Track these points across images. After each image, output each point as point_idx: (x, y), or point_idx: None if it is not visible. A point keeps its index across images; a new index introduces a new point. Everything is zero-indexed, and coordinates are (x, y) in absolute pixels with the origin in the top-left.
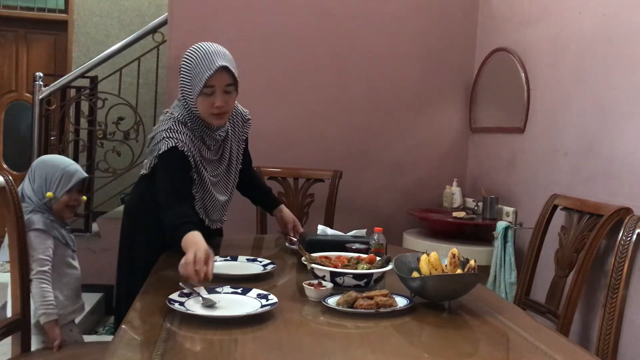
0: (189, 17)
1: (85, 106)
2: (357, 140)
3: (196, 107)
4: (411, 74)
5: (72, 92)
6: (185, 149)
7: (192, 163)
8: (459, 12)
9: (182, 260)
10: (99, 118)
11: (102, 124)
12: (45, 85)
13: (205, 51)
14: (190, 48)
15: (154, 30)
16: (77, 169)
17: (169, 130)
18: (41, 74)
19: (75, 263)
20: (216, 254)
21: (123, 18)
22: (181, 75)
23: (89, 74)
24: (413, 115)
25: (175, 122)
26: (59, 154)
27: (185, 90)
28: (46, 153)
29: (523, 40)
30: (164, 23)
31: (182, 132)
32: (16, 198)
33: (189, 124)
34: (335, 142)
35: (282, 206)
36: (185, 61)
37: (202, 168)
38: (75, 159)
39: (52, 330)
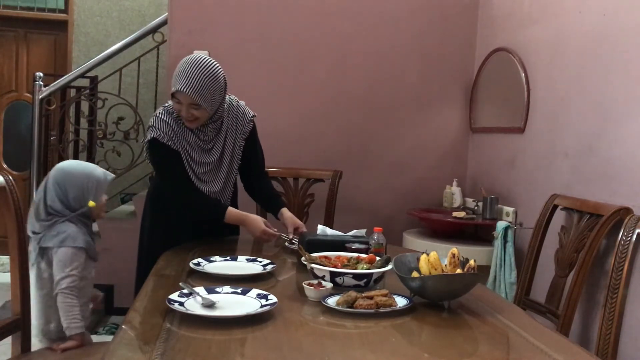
0: (189, 17)
1: (85, 106)
2: (357, 140)
3: None
4: (411, 74)
5: (72, 92)
6: (165, 139)
7: (176, 150)
8: (459, 12)
9: (256, 234)
10: (99, 118)
11: (102, 124)
12: (45, 85)
13: (186, 67)
14: (191, 55)
15: (154, 30)
16: (104, 172)
17: (153, 118)
18: (41, 74)
19: (93, 272)
20: (216, 254)
21: (123, 18)
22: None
23: (89, 74)
24: (413, 115)
25: (163, 110)
26: (59, 153)
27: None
28: (46, 153)
29: (523, 40)
30: (164, 23)
31: (163, 121)
32: (16, 198)
33: (175, 114)
34: (335, 142)
35: (284, 209)
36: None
37: (185, 157)
38: (75, 159)
39: (75, 340)
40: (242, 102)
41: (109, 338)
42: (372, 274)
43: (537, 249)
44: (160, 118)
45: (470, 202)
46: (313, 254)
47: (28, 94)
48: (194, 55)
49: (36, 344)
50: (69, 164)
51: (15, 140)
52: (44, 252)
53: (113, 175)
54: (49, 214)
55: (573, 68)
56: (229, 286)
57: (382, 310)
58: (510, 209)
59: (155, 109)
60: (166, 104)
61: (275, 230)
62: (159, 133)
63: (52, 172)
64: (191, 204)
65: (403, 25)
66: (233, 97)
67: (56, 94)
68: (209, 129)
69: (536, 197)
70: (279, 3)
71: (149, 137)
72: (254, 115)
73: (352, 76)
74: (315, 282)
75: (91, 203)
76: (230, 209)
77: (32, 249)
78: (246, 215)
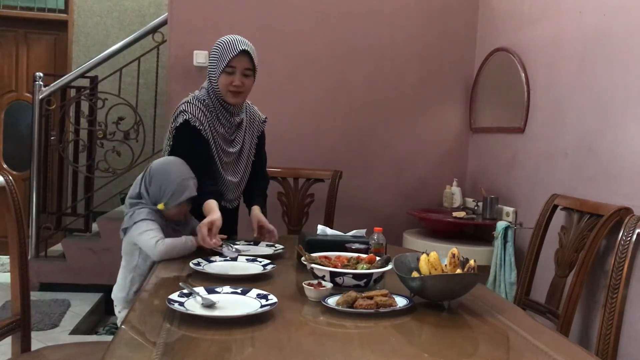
0: (189, 17)
1: (85, 106)
2: (357, 140)
3: (217, 84)
4: (411, 74)
5: (72, 92)
6: (197, 124)
7: (206, 137)
8: (459, 12)
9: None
10: (99, 118)
11: (102, 124)
12: (45, 85)
13: (232, 38)
14: (223, 36)
15: (154, 30)
16: (188, 186)
17: (185, 104)
18: (41, 74)
19: None
20: (216, 254)
21: (123, 18)
22: (210, 57)
23: (89, 74)
24: (413, 115)
25: (193, 97)
26: (59, 153)
27: (211, 69)
28: (46, 153)
29: (523, 40)
30: (164, 23)
31: (196, 106)
32: (16, 198)
33: (206, 102)
34: (335, 142)
35: (254, 207)
36: (215, 45)
37: (214, 144)
38: (75, 159)
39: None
40: (255, 106)
41: (109, 338)
42: (372, 274)
43: (537, 249)
44: (193, 103)
45: (470, 202)
46: (313, 254)
47: (28, 94)
48: (229, 34)
49: (118, 315)
50: (171, 161)
51: (15, 140)
52: (124, 232)
53: (195, 194)
54: (134, 197)
55: (573, 68)
56: (229, 286)
57: (382, 310)
58: (510, 209)
59: (155, 109)
60: (194, 93)
61: (220, 244)
62: (191, 117)
63: (155, 162)
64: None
65: (403, 26)
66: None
67: (56, 94)
68: (234, 121)
69: (536, 197)
70: (278, 3)
71: (180, 120)
72: (266, 118)
73: (352, 76)
74: (315, 282)
75: (160, 206)
76: (212, 201)
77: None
78: (214, 212)
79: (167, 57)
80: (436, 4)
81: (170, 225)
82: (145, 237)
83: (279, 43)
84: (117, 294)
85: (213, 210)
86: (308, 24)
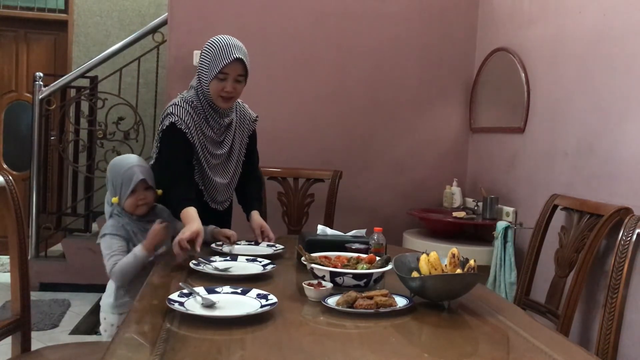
0: (189, 17)
1: (85, 106)
2: (357, 140)
3: (208, 88)
4: (411, 74)
5: (72, 92)
6: (183, 127)
7: (192, 141)
8: (459, 12)
9: (177, 238)
10: (99, 118)
11: (102, 124)
12: (45, 85)
13: (226, 42)
14: (213, 37)
15: (154, 30)
16: (134, 173)
17: (173, 106)
18: (41, 74)
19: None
20: (216, 254)
21: (123, 18)
22: (201, 59)
23: (89, 74)
24: (413, 115)
25: (181, 99)
26: (59, 153)
27: (202, 73)
28: (46, 153)
29: (523, 40)
30: (164, 23)
31: (184, 109)
32: (16, 198)
33: (195, 103)
34: (335, 142)
35: (254, 212)
36: (207, 47)
37: (201, 147)
38: (75, 159)
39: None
40: (245, 104)
41: (109, 338)
42: (372, 274)
43: (537, 249)
44: (181, 106)
45: (470, 202)
46: (313, 254)
47: (28, 94)
48: (222, 35)
49: (112, 319)
50: (120, 157)
51: (15, 140)
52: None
53: (141, 177)
54: (108, 202)
55: (573, 68)
56: (229, 286)
57: (382, 310)
58: (510, 209)
59: (155, 109)
60: (182, 95)
61: (193, 251)
62: (177, 119)
63: None
64: (173, 191)
65: (403, 26)
66: None
67: (56, 94)
68: (223, 122)
69: (536, 197)
70: (278, 3)
71: (167, 123)
72: (257, 117)
73: (352, 76)
74: (315, 282)
75: (114, 200)
76: (192, 209)
77: None
78: (195, 221)
79: (167, 57)
80: (436, 4)
81: (139, 227)
82: (105, 261)
83: (278, 43)
84: (105, 299)
85: (194, 219)
86: (308, 24)
